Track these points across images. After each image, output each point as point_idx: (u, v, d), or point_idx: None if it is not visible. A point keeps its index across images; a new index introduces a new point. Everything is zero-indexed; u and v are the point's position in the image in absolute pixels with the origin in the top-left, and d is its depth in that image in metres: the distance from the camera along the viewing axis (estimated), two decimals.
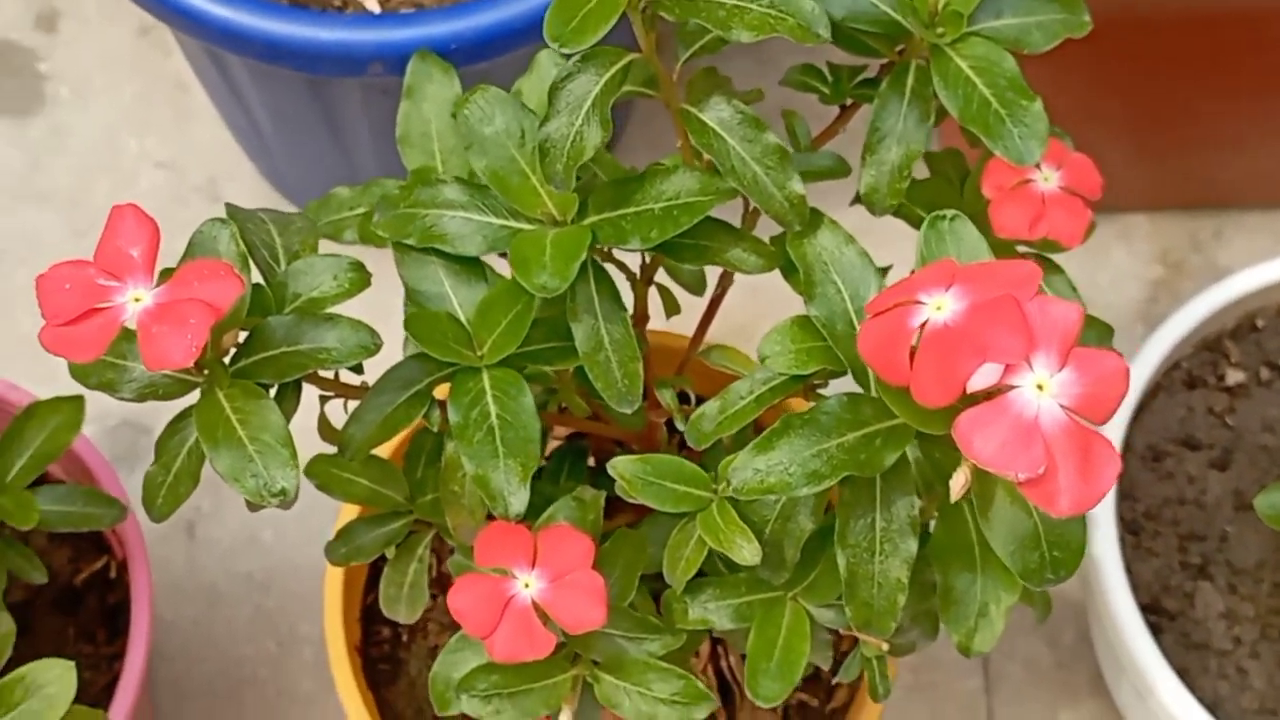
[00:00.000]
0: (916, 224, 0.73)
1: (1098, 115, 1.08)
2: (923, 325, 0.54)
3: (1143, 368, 0.92)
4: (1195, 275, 1.17)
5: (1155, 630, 0.91)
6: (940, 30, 0.65)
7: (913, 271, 0.57)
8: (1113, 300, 1.15)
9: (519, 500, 0.62)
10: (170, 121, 1.20)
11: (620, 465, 0.64)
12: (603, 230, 0.63)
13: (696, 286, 0.77)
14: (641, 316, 0.71)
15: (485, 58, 0.85)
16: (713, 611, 0.67)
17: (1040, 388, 0.53)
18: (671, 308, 0.75)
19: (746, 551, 0.62)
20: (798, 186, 0.62)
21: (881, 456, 0.58)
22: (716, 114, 0.62)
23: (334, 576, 0.84)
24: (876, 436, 0.58)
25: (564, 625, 0.63)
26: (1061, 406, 0.53)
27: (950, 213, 0.59)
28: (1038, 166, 0.70)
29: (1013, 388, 0.53)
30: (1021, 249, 0.72)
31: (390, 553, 0.74)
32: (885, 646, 0.69)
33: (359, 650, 0.86)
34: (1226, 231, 1.17)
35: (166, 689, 1.04)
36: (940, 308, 0.54)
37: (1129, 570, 0.92)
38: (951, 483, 0.56)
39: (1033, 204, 0.69)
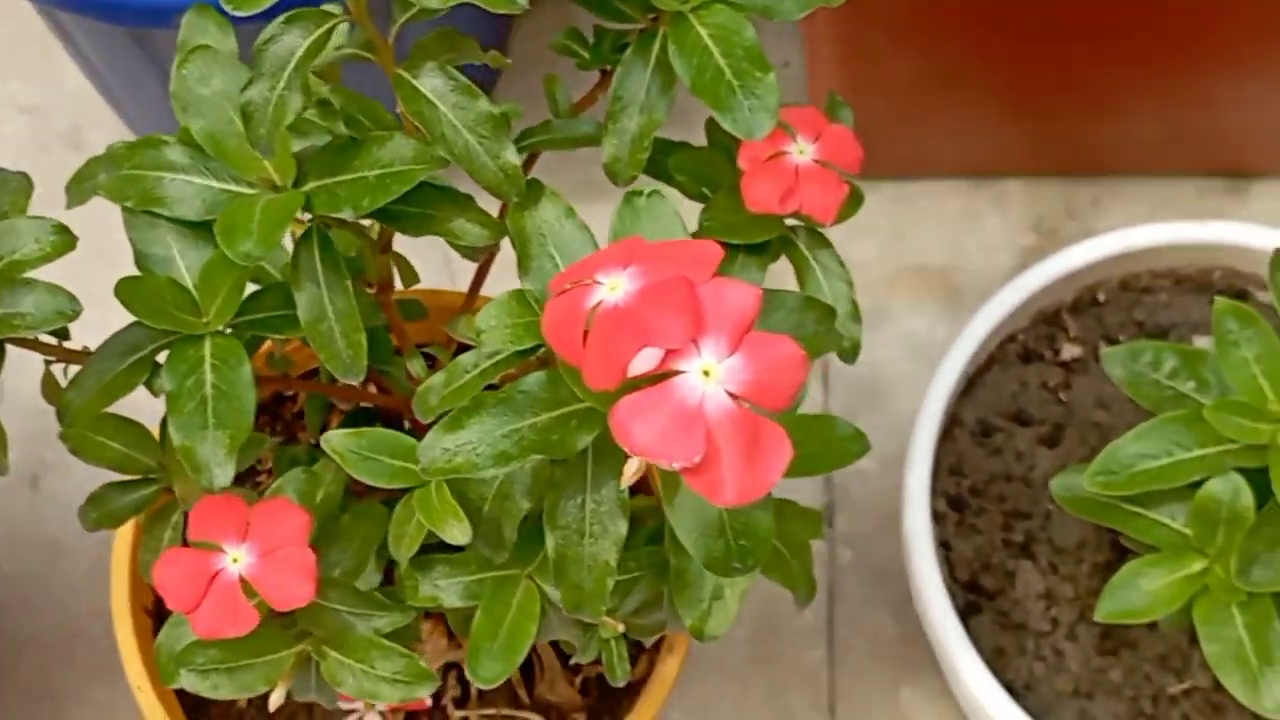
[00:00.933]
0: (690, 195, 0.72)
1: (974, 80, 1.06)
2: (597, 305, 0.53)
3: (969, 340, 0.90)
4: (1069, 243, 1.14)
5: (974, 609, 0.89)
6: None
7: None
8: (981, 267, 1.13)
9: (224, 473, 0.60)
10: (37, 67, 1.19)
11: (334, 439, 0.62)
12: (318, 197, 0.61)
13: (474, 252, 0.75)
14: (384, 284, 0.69)
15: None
16: (443, 589, 0.66)
17: (707, 373, 0.51)
18: (409, 277, 0.73)
19: (457, 531, 0.61)
20: (511, 156, 0.60)
21: (575, 438, 0.56)
22: (430, 81, 0.60)
23: (122, 539, 0.83)
24: (572, 418, 0.57)
25: (270, 601, 0.61)
26: (729, 393, 0.51)
27: (648, 189, 0.57)
28: (793, 138, 0.68)
29: (679, 373, 0.52)
30: (790, 221, 0.70)
31: (142, 519, 0.73)
32: (621, 628, 0.67)
33: (150, 612, 0.85)
34: (1105, 199, 1.15)
35: (3, 641, 1.04)
36: (615, 288, 0.52)
37: (950, 547, 0.90)
38: (625, 468, 0.55)
39: (785, 177, 0.67)
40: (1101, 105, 1.08)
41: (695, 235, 0.70)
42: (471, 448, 0.56)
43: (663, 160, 0.71)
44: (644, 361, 0.51)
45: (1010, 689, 0.87)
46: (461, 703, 0.85)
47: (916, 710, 1.01)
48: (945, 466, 0.91)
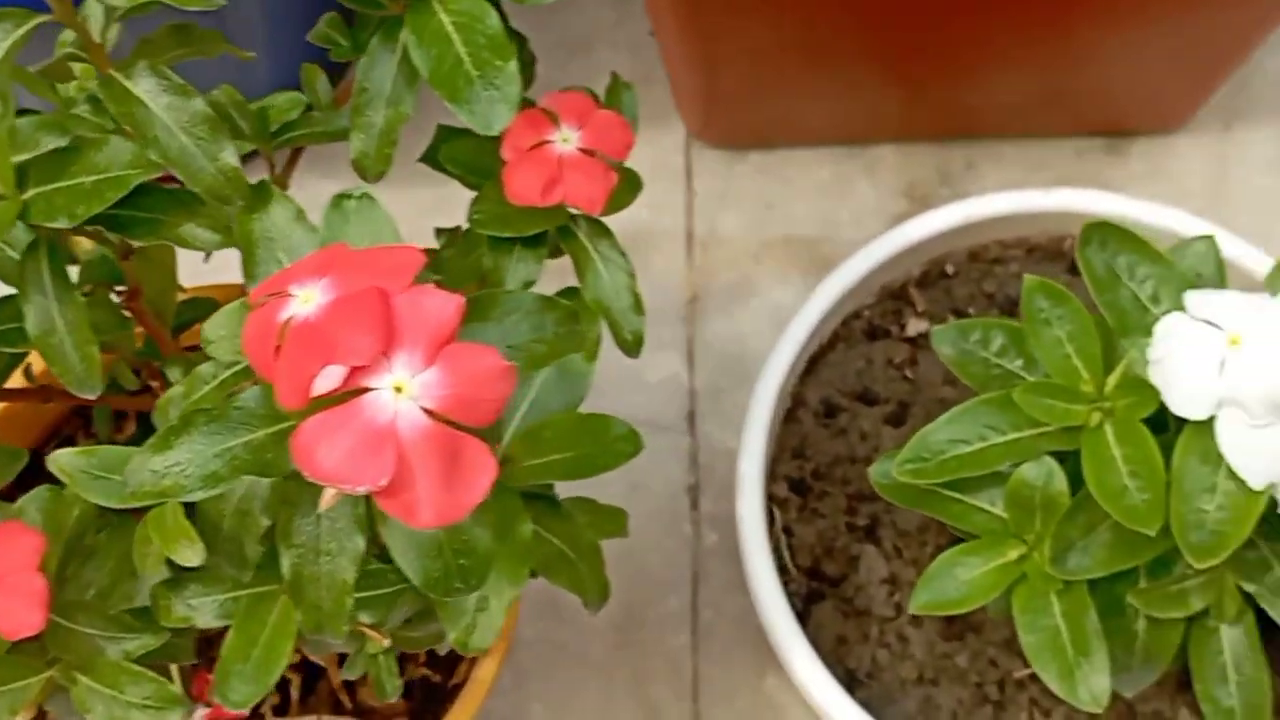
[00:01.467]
0: (468, 185, 0.69)
1: (835, 46, 1.02)
2: (289, 320, 0.50)
3: (804, 321, 0.87)
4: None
5: (816, 596, 0.87)
6: None
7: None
8: (852, 236, 1.10)
9: None
10: None
11: (62, 459, 0.59)
12: (35, 206, 0.58)
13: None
14: (132, 291, 0.66)
15: None
16: (197, 608, 0.63)
17: (399, 389, 0.48)
18: (158, 280, 0.70)
19: (189, 553, 0.58)
20: (231, 158, 0.57)
21: (288, 457, 0.53)
22: (143, 81, 0.57)
23: None
24: (288, 434, 0.54)
25: None
26: (426, 410, 0.49)
27: (358, 190, 0.54)
28: (557, 125, 0.64)
29: (369, 390, 0.49)
30: (574, 211, 0.67)
31: None
32: (387, 642, 0.64)
33: None
34: (979, 163, 1.12)
35: None
36: (308, 301, 0.50)
37: (792, 533, 0.87)
38: (323, 494, 0.52)
39: (548, 167, 0.64)
40: (974, 67, 1.05)
41: (465, 229, 0.67)
42: (180, 469, 0.53)
43: (436, 149, 0.68)
44: (327, 380, 0.48)
45: (853, 677, 0.85)
46: (281, 710, 0.82)
47: (780, 697, 0.98)
48: (788, 449, 0.89)
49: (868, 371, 0.90)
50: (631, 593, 1.02)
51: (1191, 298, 0.68)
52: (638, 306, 0.67)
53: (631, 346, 0.67)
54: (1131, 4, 0.98)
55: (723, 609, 1.01)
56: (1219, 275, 0.72)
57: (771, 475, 0.87)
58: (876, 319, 0.90)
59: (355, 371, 0.48)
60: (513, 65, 0.59)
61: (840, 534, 0.87)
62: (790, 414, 0.89)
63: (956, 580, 0.73)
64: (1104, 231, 0.70)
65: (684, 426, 1.04)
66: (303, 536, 0.57)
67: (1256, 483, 0.67)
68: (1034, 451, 0.71)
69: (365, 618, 0.63)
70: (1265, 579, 0.71)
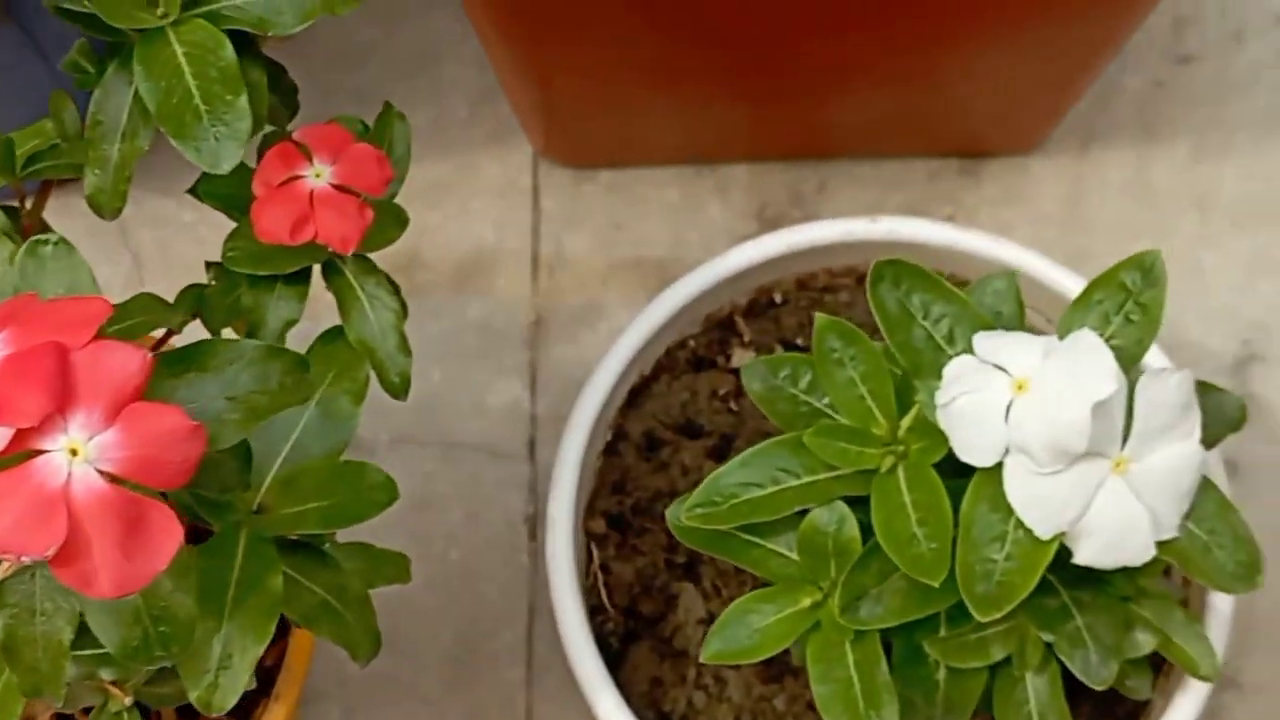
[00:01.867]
0: (230, 217, 0.66)
1: (686, 64, 1.00)
2: None
3: (619, 354, 0.84)
4: None
5: (633, 637, 0.84)
6: (161, 10, 0.57)
7: None
8: (701, 258, 1.06)
9: None
10: None
11: None
12: None
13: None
14: None
15: None
16: None
17: (75, 452, 0.46)
18: None
19: None
20: None
21: None
22: None
23: None
24: None
25: None
26: (103, 473, 0.46)
27: (54, 237, 0.51)
28: (310, 159, 0.62)
29: (43, 452, 0.46)
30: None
31: None
32: (128, 700, 0.62)
33: None
34: (832, 184, 1.10)
35: None
36: None
37: (609, 570, 0.85)
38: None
39: (298, 203, 0.61)
40: (824, 87, 1.02)
41: (217, 265, 0.65)
42: None
43: (199, 181, 0.65)
44: None
45: None
46: None
47: None
48: (608, 483, 0.86)
49: (692, 403, 0.87)
50: (467, 624, 0.99)
51: (980, 340, 0.66)
52: (404, 347, 0.65)
53: (398, 389, 0.65)
54: (984, 27, 0.96)
55: (557, 642, 0.99)
56: (1018, 314, 0.70)
57: (590, 510, 0.85)
58: (701, 349, 0.88)
59: (25, 433, 0.46)
60: (243, 100, 0.56)
61: (659, 572, 0.85)
62: (610, 446, 0.87)
63: (749, 628, 0.70)
64: (896, 269, 0.68)
65: (524, 454, 1.02)
66: (16, 596, 0.54)
67: (1043, 532, 0.65)
68: (828, 496, 0.69)
69: (105, 674, 0.60)
70: (1064, 628, 0.69)
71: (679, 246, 1.08)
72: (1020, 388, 0.64)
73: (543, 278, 1.08)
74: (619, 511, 0.85)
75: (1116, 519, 0.65)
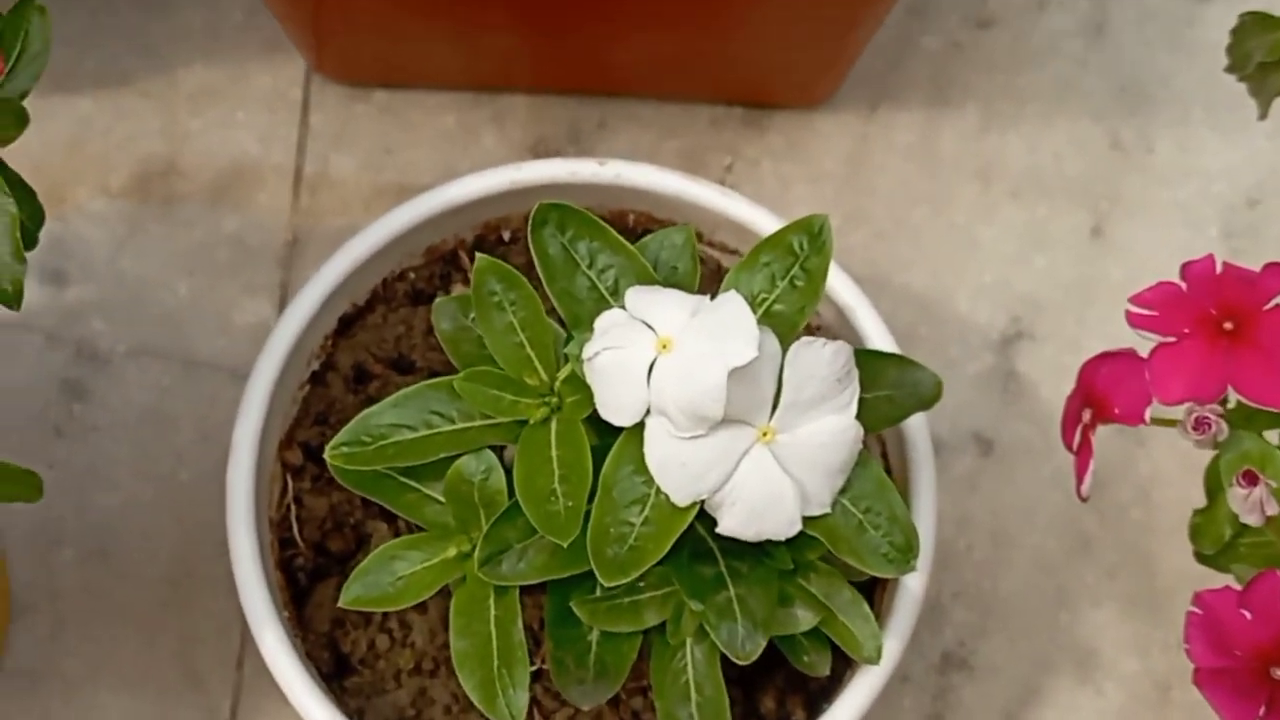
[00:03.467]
0: None
1: None
2: None
3: (325, 277, 0.81)
4: None
5: (322, 573, 0.82)
6: None
7: None
8: None
9: None
10: None
11: None
12: None
13: None
14: None
15: None
16: None
17: None
18: None
19: None
20: None
21: None
22: None
23: None
24: None
25: None
26: None
27: None
28: None
29: None
30: None
31: None
32: None
33: None
34: (612, 122, 1.07)
35: None
36: None
37: (302, 503, 0.82)
38: None
39: None
40: (608, 20, 0.99)
41: None
42: None
43: None
44: None
45: (345, 662, 0.80)
46: None
47: None
48: (312, 414, 0.83)
49: (406, 338, 0.84)
50: (189, 548, 0.96)
51: (633, 294, 0.63)
52: (18, 253, 0.61)
53: (10, 298, 0.61)
54: None
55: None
56: (692, 270, 0.67)
57: (288, 440, 0.82)
58: (421, 282, 0.85)
59: None
60: None
61: (354, 509, 0.82)
62: (318, 376, 0.84)
63: (393, 574, 0.68)
64: (562, 214, 0.65)
65: None
66: None
67: (680, 498, 0.62)
68: (479, 443, 0.67)
69: None
70: (715, 599, 0.66)
71: (448, 176, 1.03)
72: (664, 347, 0.61)
73: (304, 196, 1.04)
74: (319, 444, 0.83)
75: (760, 490, 0.63)
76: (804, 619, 0.69)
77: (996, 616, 0.97)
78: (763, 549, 0.68)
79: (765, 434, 0.62)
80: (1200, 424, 0.59)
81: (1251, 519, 0.57)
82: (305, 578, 0.82)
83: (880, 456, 0.83)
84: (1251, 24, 0.69)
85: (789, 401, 0.62)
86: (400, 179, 1.05)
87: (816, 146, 1.06)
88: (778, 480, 0.63)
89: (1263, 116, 0.72)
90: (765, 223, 0.81)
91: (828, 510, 0.65)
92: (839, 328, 0.83)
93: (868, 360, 0.70)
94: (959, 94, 1.07)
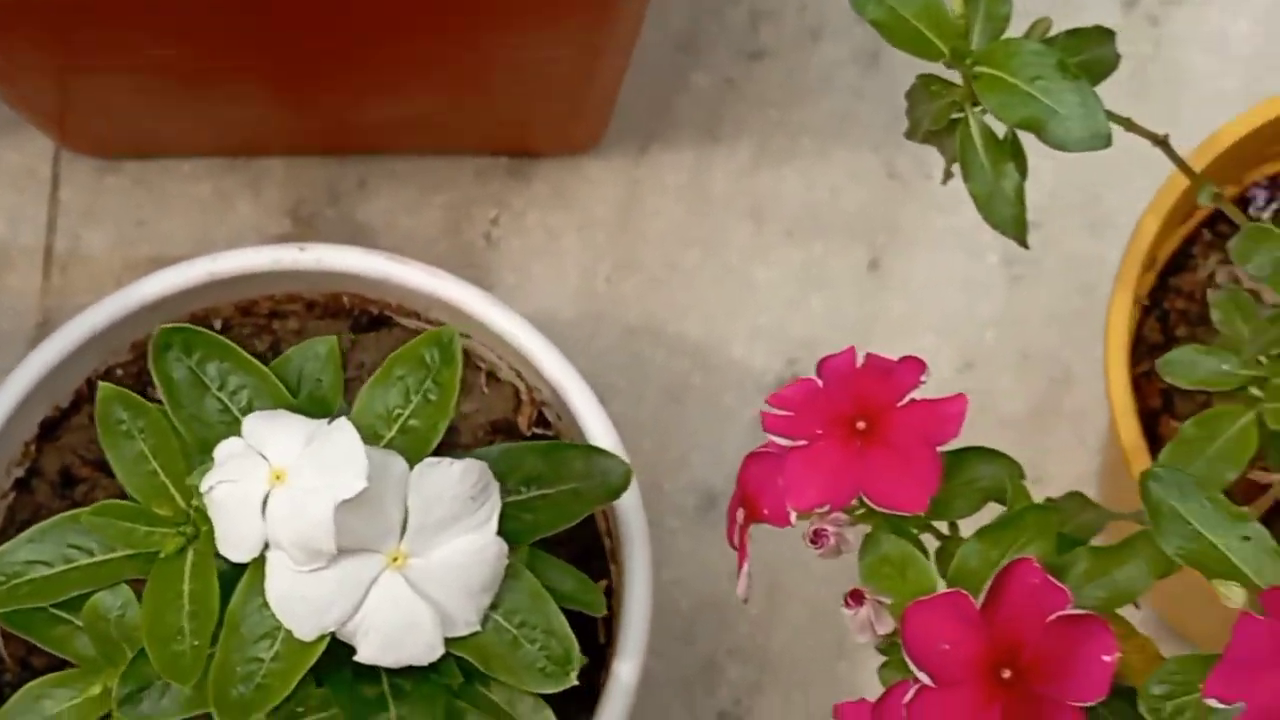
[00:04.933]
0: None
1: (200, 62, 0.92)
2: None
3: (15, 387, 0.78)
4: (330, 230, 1.03)
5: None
6: None
7: None
8: None
9: None
10: None
11: None
12: None
13: None
14: None
15: None
16: None
17: None
18: None
19: None
20: None
21: None
22: None
23: None
24: None
25: None
26: None
27: None
28: None
29: None
30: None
31: None
32: None
33: None
34: (373, 180, 1.03)
35: None
36: None
37: None
38: None
39: None
40: (353, 85, 0.96)
41: None
42: None
43: None
44: None
45: None
46: None
47: None
48: (16, 522, 0.80)
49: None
50: None
51: (250, 421, 0.61)
52: None
53: None
54: (525, 25, 0.90)
55: None
56: (337, 383, 0.64)
57: None
58: (129, 380, 0.82)
59: None
60: None
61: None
62: (23, 483, 0.81)
63: (42, 715, 0.65)
64: (186, 336, 0.63)
65: None
66: None
67: (304, 632, 0.60)
68: (117, 577, 0.64)
69: None
70: None
71: (204, 245, 1.02)
72: (278, 478, 0.58)
73: (55, 276, 1.01)
74: None
75: (395, 617, 0.60)
76: None
77: (773, 671, 0.94)
78: (429, 664, 0.65)
79: (396, 559, 0.60)
80: (819, 537, 0.56)
81: (863, 639, 0.55)
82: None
83: (605, 534, 0.80)
84: (920, 88, 0.66)
85: (417, 525, 0.60)
86: (154, 251, 1.02)
87: (586, 193, 1.03)
88: (411, 605, 0.60)
89: (944, 180, 0.69)
90: (475, 302, 0.78)
91: (477, 629, 0.62)
92: (557, 406, 0.80)
93: (553, 454, 0.67)
94: (731, 131, 1.04)
